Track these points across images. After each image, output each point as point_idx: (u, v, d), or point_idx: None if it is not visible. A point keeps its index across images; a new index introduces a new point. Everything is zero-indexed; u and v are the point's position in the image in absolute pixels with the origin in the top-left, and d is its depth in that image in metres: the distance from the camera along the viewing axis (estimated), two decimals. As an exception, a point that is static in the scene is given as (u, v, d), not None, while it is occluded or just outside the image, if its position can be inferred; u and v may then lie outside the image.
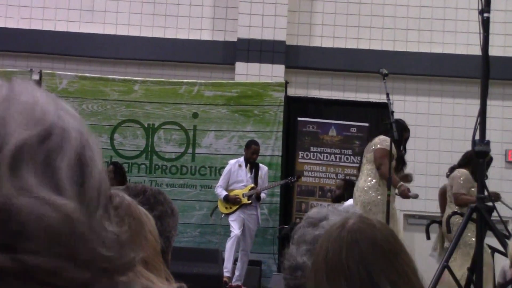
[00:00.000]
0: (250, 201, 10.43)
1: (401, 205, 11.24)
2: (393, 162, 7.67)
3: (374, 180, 7.74)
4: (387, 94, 7.63)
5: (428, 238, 7.65)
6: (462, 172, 8.08)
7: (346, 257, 1.75)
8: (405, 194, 7.55)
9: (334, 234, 1.80)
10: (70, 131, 0.82)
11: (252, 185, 10.50)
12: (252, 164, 10.59)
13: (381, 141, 7.77)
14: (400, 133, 7.60)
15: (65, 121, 0.83)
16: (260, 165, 10.72)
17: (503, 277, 8.18)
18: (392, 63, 11.46)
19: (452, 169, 8.49)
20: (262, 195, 10.58)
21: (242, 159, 10.64)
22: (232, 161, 10.67)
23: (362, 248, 1.76)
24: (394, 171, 7.71)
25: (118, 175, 10.00)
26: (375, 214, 7.52)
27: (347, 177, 10.99)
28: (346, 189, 9.44)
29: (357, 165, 11.03)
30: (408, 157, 11.37)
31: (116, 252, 0.80)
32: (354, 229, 1.80)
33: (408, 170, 11.10)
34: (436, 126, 12.21)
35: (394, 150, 7.56)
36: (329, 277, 1.76)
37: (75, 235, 0.76)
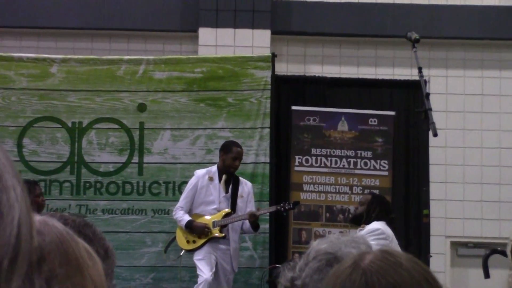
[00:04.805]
0: (223, 234, 8.70)
1: (445, 229, 10.11)
2: None
3: None
4: (419, 69, 6.64)
5: (487, 276, 6.87)
6: None
7: None
8: None
9: (343, 276, 1.60)
10: None
11: (228, 210, 8.74)
12: (230, 178, 8.85)
13: None
14: None
15: None
16: (242, 179, 9.02)
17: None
18: (426, 23, 10.35)
19: None
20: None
21: (214, 168, 8.91)
22: (200, 172, 8.97)
23: None
24: None
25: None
26: None
27: (373, 191, 9.37)
28: (371, 207, 7.66)
29: (382, 173, 10.08)
30: (452, 159, 10.12)
31: None
32: (372, 270, 1.57)
33: (457, 177, 10.16)
34: (494, 113, 10.44)
35: None
36: None
37: None
